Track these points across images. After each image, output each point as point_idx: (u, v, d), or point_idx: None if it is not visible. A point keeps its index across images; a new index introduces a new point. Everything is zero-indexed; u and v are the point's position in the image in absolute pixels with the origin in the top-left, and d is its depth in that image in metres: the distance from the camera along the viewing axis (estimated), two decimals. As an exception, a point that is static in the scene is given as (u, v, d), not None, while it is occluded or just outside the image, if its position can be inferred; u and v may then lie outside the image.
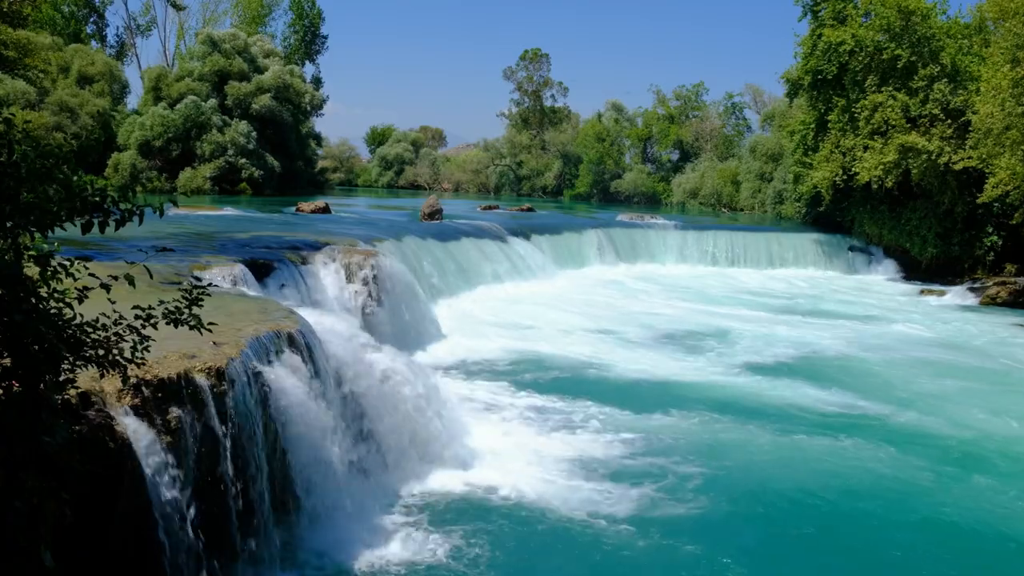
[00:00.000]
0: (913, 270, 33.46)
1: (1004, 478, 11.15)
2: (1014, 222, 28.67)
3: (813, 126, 36.00)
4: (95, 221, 4.84)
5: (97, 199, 4.77)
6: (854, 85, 32.63)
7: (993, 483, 10.97)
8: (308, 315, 10.27)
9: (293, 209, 32.56)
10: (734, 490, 10.36)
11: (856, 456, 11.75)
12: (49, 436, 4.58)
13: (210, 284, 5.95)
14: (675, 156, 71.65)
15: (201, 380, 7.05)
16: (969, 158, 28.64)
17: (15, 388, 4.63)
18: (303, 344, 9.00)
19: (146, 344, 5.28)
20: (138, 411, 6.37)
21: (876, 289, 30.96)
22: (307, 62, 71.17)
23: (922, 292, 29.97)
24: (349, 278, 16.07)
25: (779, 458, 11.61)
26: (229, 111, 50.38)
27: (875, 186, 32.07)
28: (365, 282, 16.15)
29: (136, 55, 69.09)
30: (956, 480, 11.00)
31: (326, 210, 31.73)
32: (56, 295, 4.80)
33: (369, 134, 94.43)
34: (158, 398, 6.61)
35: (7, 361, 4.62)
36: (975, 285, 29.27)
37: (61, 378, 4.82)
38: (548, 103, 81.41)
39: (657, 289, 27.75)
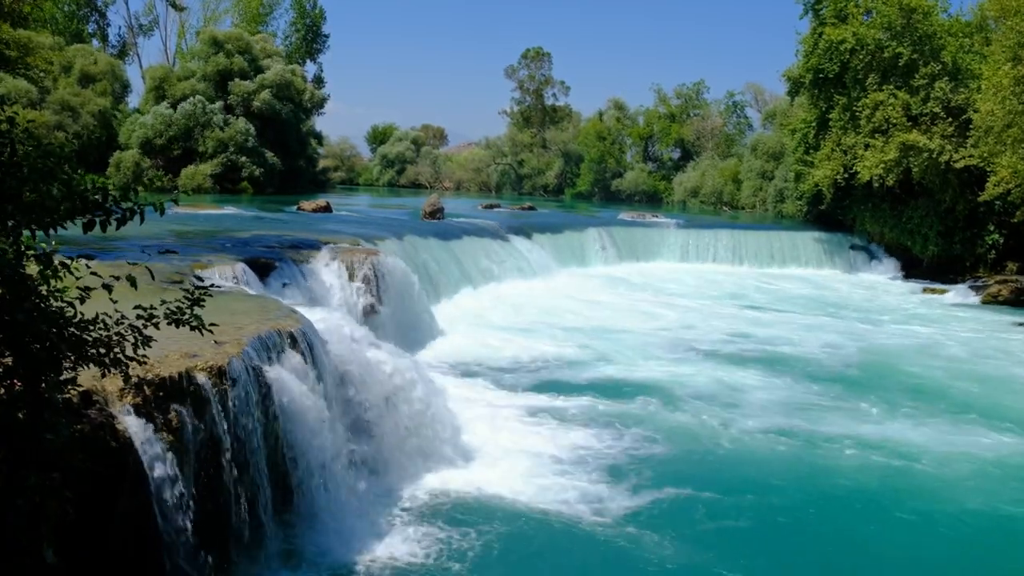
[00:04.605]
0: (914, 268, 33.45)
1: None
2: (1015, 220, 28.64)
3: (814, 124, 35.98)
4: (97, 220, 4.85)
5: (98, 198, 4.79)
6: (855, 83, 32.60)
7: None
8: (309, 314, 10.28)
9: (294, 208, 32.59)
10: (736, 494, 10.36)
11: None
12: (51, 435, 4.60)
13: (212, 285, 5.92)
14: (676, 155, 71.61)
15: (202, 379, 7.07)
16: (970, 156, 28.62)
17: (17, 387, 4.65)
18: (304, 343, 9.01)
19: (147, 343, 5.29)
20: (139, 410, 6.39)
21: (881, 288, 30.94)
22: (308, 61, 71.17)
23: (924, 291, 29.97)
24: (351, 277, 16.08)
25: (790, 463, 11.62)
26: (231, 109, 50.43)
27: (876, 184, 32.05)
28: (366, 281, 16.16)
29: (138, 54, 69.09)
30: None
31: (327, 209, 31.77)
32: (57, 294, 4.81)
33: (370, 133, 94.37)
34: (159, 397, 6.62)
35: (9, 360, 4.63)
36: (977, 284, 29.27)
37: (63, 377, 4.84)
38: (549, 102, 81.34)
39: (659, 287, 27.73)
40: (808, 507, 10.07)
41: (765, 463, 11.38)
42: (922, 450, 11.97)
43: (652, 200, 66.39)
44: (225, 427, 7.18)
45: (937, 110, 30.71)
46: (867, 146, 32.03)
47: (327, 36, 72.99)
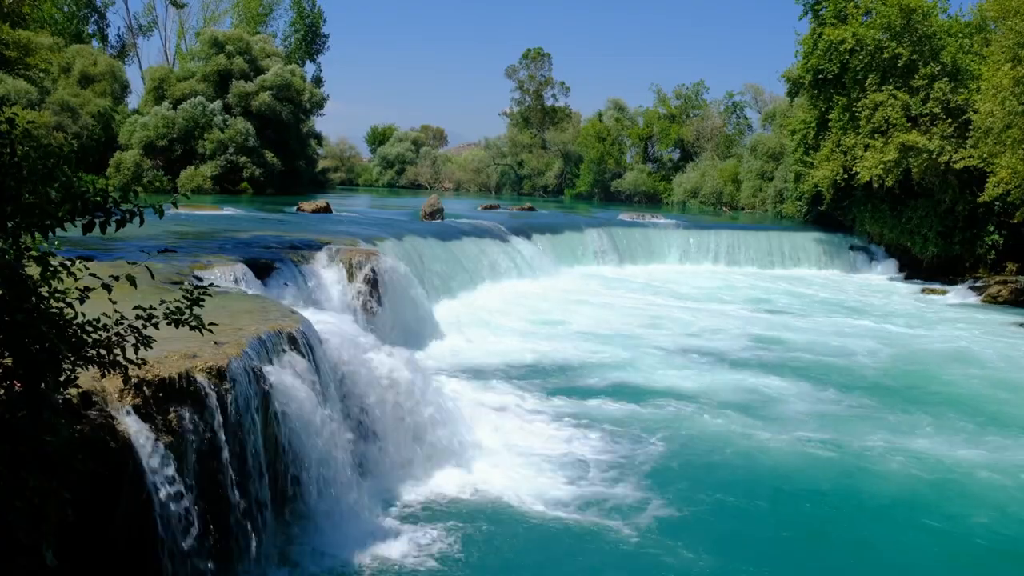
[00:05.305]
0: (914, 269, 33.48)
1: None
2: (1015, 221, 28.63)
3: (814, 125, 36.01)
4: (96, 221, 4.85)
5: (98, 199, 4.79)
6: (855, 84, 32.62)
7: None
8: (309, 314, 10.28)
9: (294, 208, 32.59)
10: (735, 490, 10.36)
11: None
12: (51, 436, 4.59)
13: (211, 284, 5.96)
14: (676, 155, 71.74)
15: (202, 380, 7.06)
16: (970, 157, 28.62)
17: (17, 388, 4.64)
18: (304, 344, 9.00)
19: (147, 344, 5.29)
20: (139, 411, 6.38)
21: (881, 289, 30.90)
22: (308, 61, 71.26)
23: (923, 291, 29.97)
24: (350, 277, 16.08)
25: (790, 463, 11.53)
26: (230, 109, 50.48)
27: (876, 185, 32.07)
28: (366, 281, 16.16)
29: (137, 55, 69.21)
30: None
31: (327, 209, 31.76)
32: (57, 295, 4.81)
33: (370, 134, 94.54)
34: (159, 398, 6.62)
35: (8, 361, 4.63)
36: (976, 284, 29.27)
37: (62, 378, 4.83)
38: (549, 102, 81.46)
39: (660, 288, 27.72)
40: (844, 517, 9.81)
41: (797, 471, 11.04)
42: (965, 462, 11.51)
43: (652, 201, 66.46)
44: (224, 428, 7.17)
45: (937, 111, 30.73)
46: (867, 147, 32.04)
47: (326, 37, 73.18)
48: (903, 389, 15.63)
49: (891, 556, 8.91)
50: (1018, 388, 16.23)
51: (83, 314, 4.95)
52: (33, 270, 4.68)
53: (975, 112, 28.15)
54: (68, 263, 4.85)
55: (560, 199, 70.94)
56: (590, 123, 73.43)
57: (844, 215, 36.62)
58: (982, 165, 27.98)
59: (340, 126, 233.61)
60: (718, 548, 8.73)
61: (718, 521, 9.50)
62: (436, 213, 30.74)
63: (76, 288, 4.92)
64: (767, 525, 9.51)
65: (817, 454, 11.69)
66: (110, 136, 48.86)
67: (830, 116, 34.08)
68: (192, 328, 5.49)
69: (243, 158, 48.69)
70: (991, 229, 31.10)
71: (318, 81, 70.09)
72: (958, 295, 28.81)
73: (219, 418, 7.12)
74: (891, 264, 34.41)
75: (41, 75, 43.03)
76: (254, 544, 7.47)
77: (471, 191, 78.96)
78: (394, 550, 8.30)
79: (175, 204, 5.33)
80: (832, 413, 13.76)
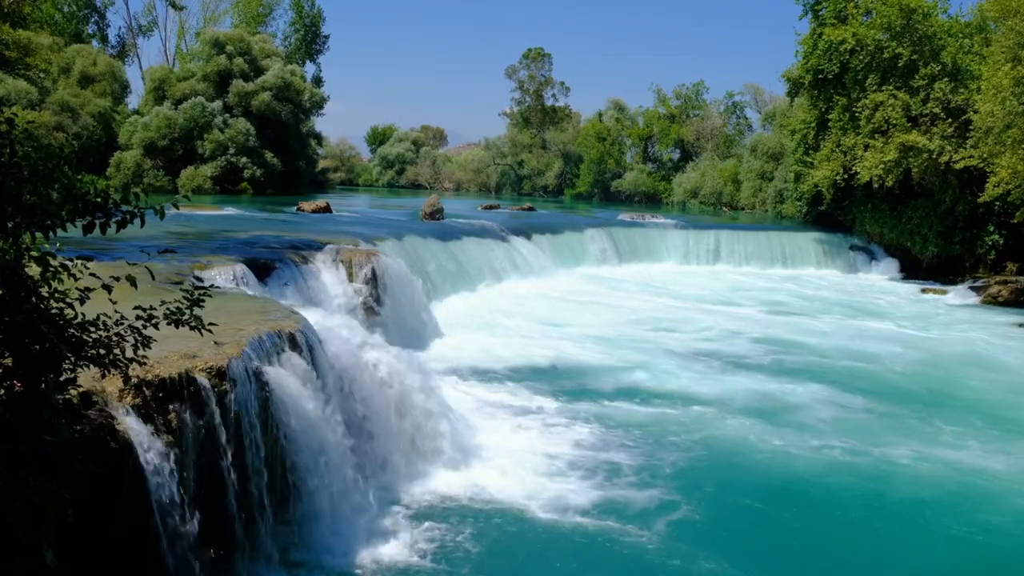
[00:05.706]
0: (914, 269, 33.46)
1: None
2: (1015, 221, 28.66)
3: (814, 125, 35.99)
4: (97, 222, 4.85)
5: (99, 200, 4.79)
6: (855, 84, 32.60)
7: None
8: (309, 314, 10.28)
9: (294, 209, 32.58)
10: (738, 491, 10.35)
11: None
12: (51, 436, 4.60)
13: (211, 285, 5.93)
14: (676, 155, 71.66)
15: (202, 380, 7.07)
16: (970, 157, 28.63)
17: (17, 388, 4.65)
18: (304, 344, 9.01)
19: (147, 343, 5.29)
20: (139, 411, 6.39)
21: (882, 289, 30.88)
22: (308, 61, 71.23)
23: (924, 291, 29.96)
24: (350, 277, 16.09)
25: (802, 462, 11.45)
26: (230, 109, 50.47)
27: (876, 185, 32.06)
28: (366, 281, 16.17)
29: (137, 55, 69.21)
30: None
31: (327, 209, 31.76)
32: (57, 295, 4.81)
33: (370, 134, 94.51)
34: (159, 398, 6.62)
35: (8, 361, 4.63)
36: (976, 284, 29.25)
37: (62, 378, 4.84)
38: (549, 102, 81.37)
39: (661, 288, 27.71)
40: (867, 524, 9.67)
41: (820, 477, 10.88)
42: (989, 469, 11.32)
43: (652, 201, 66.45)
44: (224, 428, 7.18)
45: (937, 111, 30.72)
46: (867, 147, 32.03)
47: (326, 37, 73.11)
48: (923, 393, 15.45)
49: (914, 563, 8.84)
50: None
51: (83, 314, 4.95)
52: (33, 270, 4.68)
53: (975, 112, 28.16)
54: (68, 263, 4.85)
55: (560, 199, 70.89)
56: (590, 123, 73.40)
57: (844, 215, 36.60)
58: (982, 165, 27.99)
59: (340, 126, 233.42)
60: (738, 556, 8.63)
61: (739, 528, 9.39)
62: (436, 213, 30.75)
63: (76, 288, 4.92)
64: (789, 532, 9.41)
65: (839, 460, 11.52)
66: (110, 136, 48.83)
67: (830, 116, 34.07)
68: (192, 328, 5.49)
69: (243, 158, 48.69)
70: (991, 229, 31.11)
71: (318, 81, 70.09)
72: (958, 295, 28.79)
73: (219, 418, 7.12)
74: (891, 264, 34.38)
75: (41, 75, 42.99)
76: (254, 543, 7.48)
77: (471, 191, 78.93)
78: (395, 551, 8.30)
79: (176, 205, 5.33)
80: (852, 419, 13.54)
